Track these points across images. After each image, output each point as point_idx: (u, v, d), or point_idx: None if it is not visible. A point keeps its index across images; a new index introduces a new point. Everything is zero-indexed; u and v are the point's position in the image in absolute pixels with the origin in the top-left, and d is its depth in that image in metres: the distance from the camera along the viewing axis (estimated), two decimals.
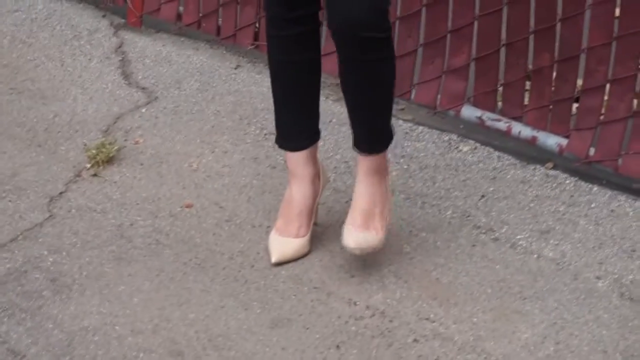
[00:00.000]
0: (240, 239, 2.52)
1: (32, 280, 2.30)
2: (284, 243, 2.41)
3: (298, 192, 2.43)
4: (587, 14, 2.63)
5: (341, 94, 2.34)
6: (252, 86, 3.27)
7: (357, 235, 2.26)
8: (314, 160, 2.46)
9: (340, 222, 2.45)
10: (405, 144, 2.86)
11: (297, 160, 2.42)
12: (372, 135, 2.33)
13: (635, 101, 2.71)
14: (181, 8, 3.49)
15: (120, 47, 3.48)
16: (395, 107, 2.59)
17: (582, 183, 2.70)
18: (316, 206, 2.47)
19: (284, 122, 2.47)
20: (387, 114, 2.34)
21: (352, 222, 2.25)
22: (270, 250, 2.42)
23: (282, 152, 2.48)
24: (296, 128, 2.46)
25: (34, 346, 2.11)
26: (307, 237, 2.43)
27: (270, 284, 2.31)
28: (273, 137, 2.71)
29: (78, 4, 3.74)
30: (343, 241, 2.25)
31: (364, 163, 2.32)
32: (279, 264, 2.41)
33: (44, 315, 2.20)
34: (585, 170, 2.73)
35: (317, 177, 2.46)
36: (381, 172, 2.35)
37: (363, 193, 2.31)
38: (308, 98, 2.46)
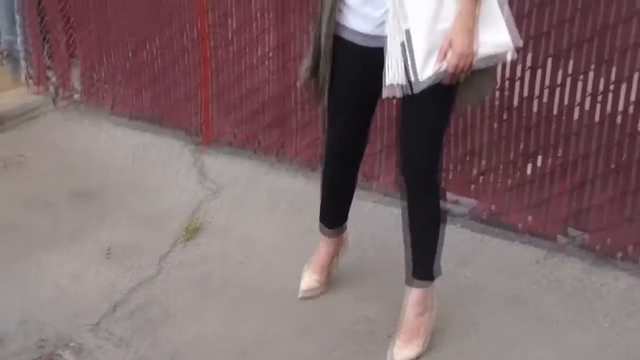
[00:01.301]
0: (282, 277, 2.85)
1: (150, 311, 2.66)
2: (310, 276, 2.71)
3: (323, 249, 2.71)
4: None
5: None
6: (281, 185, 3.58)
7: (399, 350, 2.37)
8: (339, 232, 2.70)
9: (349, 275, 2.83)
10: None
11: (329, 232, 2.69)
12: (427, 265, 2.39)
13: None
14: (236, 130, 3.83)
15: (197, 160, 3.80)
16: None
17: None
18: (336, 260, 2.74)
19: (325, 209, 2.67)
20: (435, 252, 2.39)
21: (400, 338, 2.39)
22: (301, 279, 2.71)
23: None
24: (331, 214, 2.68)
25: (155, 354, 2.49)
26: (325, 277, 2.71)
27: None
28: (300, 211, 3.15)
29: (170, 134, 4.03)
30: (389, 352, 2.39)
31: (416, 294, 2.39)
32: (306, 290, 2.70)
33: (160, 333, 2.57)
34: None
35: (339, 243, 2.72)
36: (426, 303, 2.41)
37: (412, 318, 2.39)
38: (345, 196, 2.65)
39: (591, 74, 2.79)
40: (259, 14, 3.61)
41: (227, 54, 3.78)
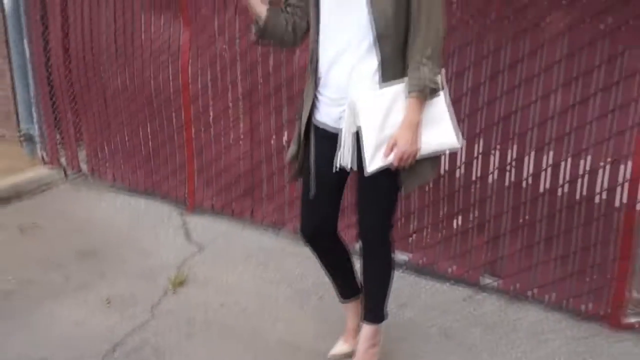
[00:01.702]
0: (256, 318, 2.79)
1: (144, 351, 2.57)
2: (342, 345, 2.50)
3: (350, 318, 2.49)
4: None
5: None
6: (254, 242, 3.54)
7: None
8: (356, 304, 2.43)
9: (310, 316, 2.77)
10: None
11: (348, 307, 2.48)
12: (378, 309, 2.30)
13: None
14: (215, 198, 3.80)
15: (184, 223, 3.80)
16: None
17: None
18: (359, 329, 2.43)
19: (334, 285, 2.46)
20: (385, 298, 2.30)
21: None
22: (335, 347, 2.49)
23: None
24: (339, 288, 2.45)
25: None
26: (351, 345, 2.44)
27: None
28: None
29: (161, 201, 4.04)
30: None
31: (367, 330, 2.31)
32: (334, 356, 2.48)
33: None
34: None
35: (358, 314, 2.43)
36: (376, 338, 2.34)
37: (364, 350, 2.32)
38: (341, 270, 2.41)
39: (499, 151, 2.83)
40: (232, 106, 3.62)
41: (207, 137, 3.78)
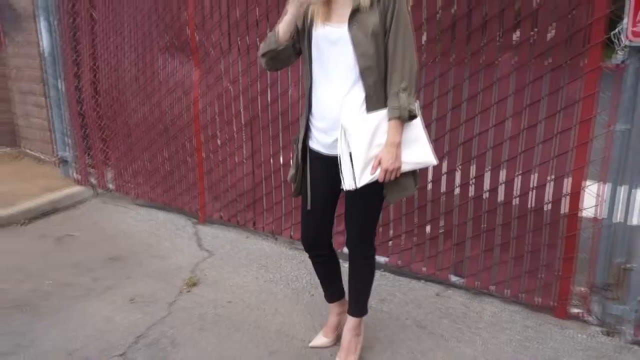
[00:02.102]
0: (258, 312, 2.74)
1: (162, 342, 2.51)
2: (320, 338, 2.46)
3: (331, 316, 2.47)
4: None
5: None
6: (255, 247, 3.49)
7: None
8: (342, 303, 2.43)
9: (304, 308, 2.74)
10: None
11: (332, 306, 2.45)
12: (362, 303, 2.29)
13: None
14: (222, 211, 3.77)
15: (196, 232, 3.76)
16: None
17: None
18: (340, 325, 2.44)
19: (323, 289, 2.42)
20: (368, 295, 2.29)
21: (340, 355, 2.30)
22: (314, 339, 2.46)
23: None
24: (328, 292, 2.42)
25: None
26: (334, 338, 2.44)
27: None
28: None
29: (177, 214, 4.03)
30: None
31: (352, 321, 2.30)
32: (315, 346, 2.44)
33: (169, 359, 2.40)
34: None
35: (343, 312, 2.42)
36: (360, 328, 2.33)
37: (349, 339, 2.30)
38: (331, 276, 2.38)
39: (461, 169, 2.81)
40: (236, 133, 3.60)
41: (215, 160, 3.75)
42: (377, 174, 1.95)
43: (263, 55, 2.06)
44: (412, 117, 1.92)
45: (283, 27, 1.98)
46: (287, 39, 2.00)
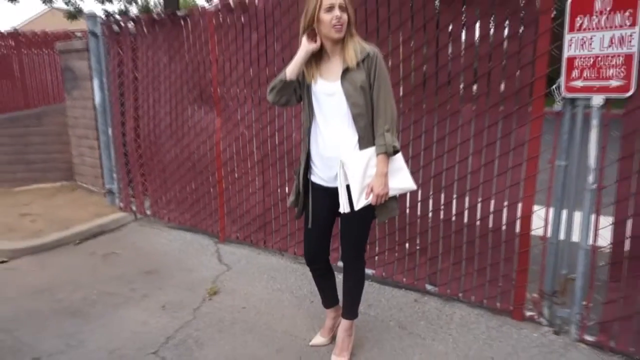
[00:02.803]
0: (268, 317, 2.66)
1: (188, 343, 2.43)
2: (318, 338, 2.40)
3: (327, 320, 2.41)
4: None
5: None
6: (266, 262, 3.40)
7: (336, 357, 2.23)
8: (337, 308, 2.38)
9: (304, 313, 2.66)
10: None
11: (329, 311, 2.40)
12: (353, 308, 2.23)
13: None
14: (239, 232, 3.67)
15: (217, 249, 3.67)
16: None
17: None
18: (335, 327, 2.39)
19: (321, 297, 2.36)
20: (359, 301, 2.23)
21: (335, 352, 2.26)
22: (314, 339, 2.41)
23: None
24: (324, 299, 2.36)
25: None
26: (330, 338, 2.39)
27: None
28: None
29: (201, 234, 3.91)
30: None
31: (345, 323, 2.25)
32: (314, 345, 2.37)
33: (195, 356, 2.31)
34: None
35: (337, 316, 2.38)
36: (352, 329, 2.28)
37: (343, 338, 2.25)
38: (327, 286, 2.33)
39: (433, 197, 2.77)
40: (250, 169, 3.57)
41: (233, 190, 3.69)
42: (370, 199, 1.96)
43: (271, 90, 2.04)
44: (396, 151, 1.96)
45: (291, 68, 1.98)
46: (294, 78, 2.00)
